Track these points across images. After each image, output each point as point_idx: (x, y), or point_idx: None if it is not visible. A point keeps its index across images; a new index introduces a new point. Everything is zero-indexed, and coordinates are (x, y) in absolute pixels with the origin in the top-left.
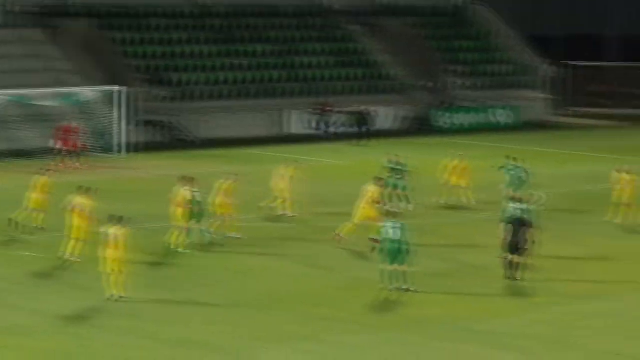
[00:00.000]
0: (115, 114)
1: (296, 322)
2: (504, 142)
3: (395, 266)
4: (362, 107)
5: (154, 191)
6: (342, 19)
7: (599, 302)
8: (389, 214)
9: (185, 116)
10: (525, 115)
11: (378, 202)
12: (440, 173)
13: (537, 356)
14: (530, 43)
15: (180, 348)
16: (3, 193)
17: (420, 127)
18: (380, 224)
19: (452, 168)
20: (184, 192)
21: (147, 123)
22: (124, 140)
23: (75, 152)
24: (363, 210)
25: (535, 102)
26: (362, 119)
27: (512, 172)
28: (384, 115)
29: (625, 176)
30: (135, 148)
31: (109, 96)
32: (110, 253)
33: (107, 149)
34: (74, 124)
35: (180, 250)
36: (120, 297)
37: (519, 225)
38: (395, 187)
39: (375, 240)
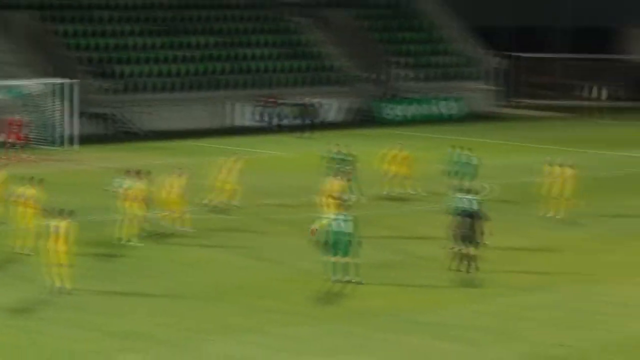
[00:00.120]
0: (61, 106)
1: (241, 314)
2: (448, 133)
3: (339, 258)
4: (307, 99)
5: (99, 183)
6: (287, 11)
7: (543, 293)
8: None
9: (130, 108)
10: (469, 107)
11: (335, 196)
12: (379, 163)
13: (480, 347)
14: (474, 34)
15: (126, 340)
16: None
17: (364, 119)
18: (327, 217)
19: (392, 157)
20: (140, 185)
21: (92, 115)
22: (69, 132)
23: (19, 145)
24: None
25: (479, 94)
26: (306, 111)
27: (460, 162)
28: (328, 107)
29: (557, 169)
30: (80, 140)
31: (54, 89)
32: (55, 245)
33: (52, 142)
34: (17, 117)
35: (132, 242)
36: (67, 289)
37: (470, 217)
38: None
39: (313, 232)
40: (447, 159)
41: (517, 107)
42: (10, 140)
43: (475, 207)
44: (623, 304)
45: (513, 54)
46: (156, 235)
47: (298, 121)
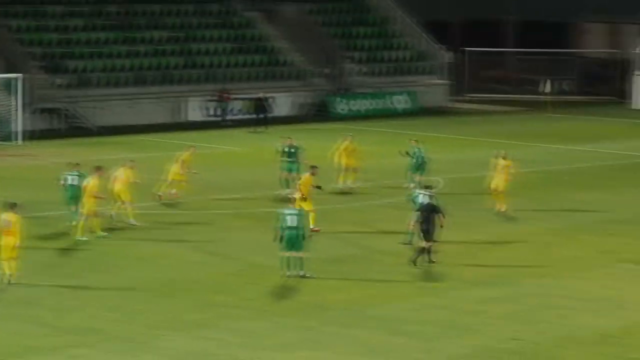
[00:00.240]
0: (13, 101)
1: (194, 309)
2: (401, 128)
3: (292, 253)
4: (260, 94)
5: (51, 179)
6: (240, 6)
7: (496, 287)
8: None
9: (83, 104)
10: (423, 101)
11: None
12: (331, 156)
13: (434, 341)
14: (428, 29)
15: (77, 335)
16: None
17: (317, 114)
18: (281, 211)
19: (343, 150)
20: (94, 180)
21: (45, 110)
22: (21, 128)
23: None
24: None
25: (432, 88)
26: (260, 106)
27: (416, 155)
28: (282, 102)
29: (501, 161)
30: (32, 135)
31: (5, 84)
32: (4, 240)
33: (4, 137)
34: None
35: (99, 235)
36: (15, 283)
37: (430, 211)
38: (289, 170)
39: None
40: (409, 153)
41: (470, 101)
42: None
43: (434, 201)
44: (576, 298)
45: (466, 48)
46: (110, 230)
47: (252, 116)
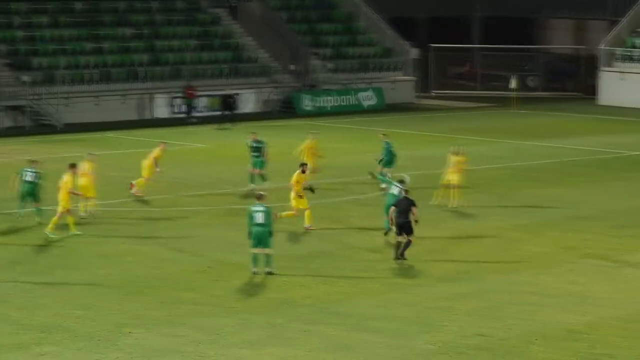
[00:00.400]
0: None
1: (160, 307)
2: (367, 124)
3: (260, 249)
4: (227, 91)
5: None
6: (205, 2)
7: (463, 283)
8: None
9: (48, 101)
10: (389, 98)
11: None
12: (296, 154)
13: (401, 338)
14: (394, 25)
15: (43, 333)
16: None
17: (284, 110)
18: (249, 208)
19: (307, 148)
20: (69, 177)
21: (10, 108)
22: None
23: None
24: (298, 199)
25: (398, 85)
26: (226, 102)
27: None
28: (248, 99)
29: (454, 157)
30: None
31: None
32: None
33: None
34: None
35: (72, 233)
36: None
37: (406, 205)
38: (254, 166)
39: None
40: (381, 148)
41: (436, 97)
42: None
43: (409, 196)
44: (542, 294)
45: (432, 44)
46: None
47: (218, 113)
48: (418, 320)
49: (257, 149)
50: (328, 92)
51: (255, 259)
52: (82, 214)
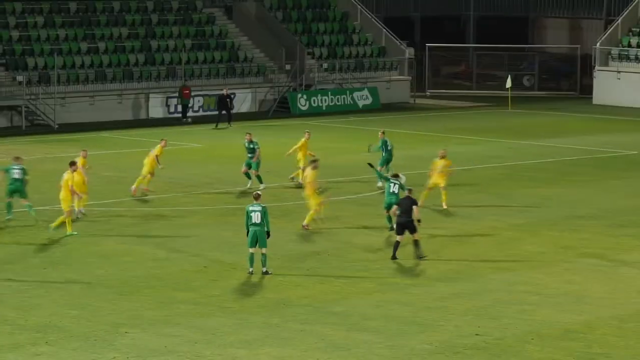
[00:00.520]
0: None
1: (156, 306)
2: (363, 124)
3: (256, 249)
4: (224, 90)
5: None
6: (200, 2)
7: (459, 283)
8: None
9: (44, 101)
10: (384, 97)
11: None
12: (293, 152)
13: (397, 337)
14: (389, 25)
15: (39, 333)
16: None
17: (279, 110)
18: (247, 208)
19: (301, 145)
20: (69, 175)
21: (5, 108)
22: None
23: None
24: (312, 195)
25: (394, 84)
26: (222, 102)
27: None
28: (243, 98)
29: (439, 161)
30: None
31: None
32: None
33: None
34: None
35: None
36: None
37: (409, 205)
38: (249, 166)
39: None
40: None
41: (432, 97)
42: None
43: (412, 195)
44: (539, 293)
45: (427, 44)
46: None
47: (214, 112)
48: (414, 319)
49: (252, 150)
50: (323, 92)
51: (251, 259)
52: (78, 209)
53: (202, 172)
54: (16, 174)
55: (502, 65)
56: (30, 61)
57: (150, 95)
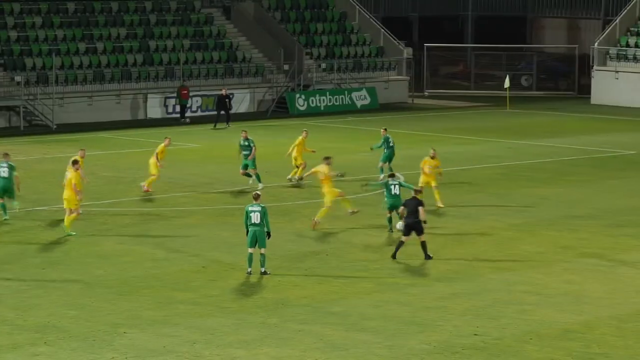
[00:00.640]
0: None
1: (155, 307)
2: (361, 124)
3: (255, 249)
4: (221, 91)
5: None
6: (198, 2)
7: (457, 283)
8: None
9: (42, 101)
10: (383, 97)
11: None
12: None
13: (395, 337)
14: (387, 25)
15: (37, 333)
16: None
17: (277, 110)
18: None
19: (298, 144)
20: (73, 174)
21: (3, 108)
22: None
23: None
24: (329, 191)
25: (392, 84)
26: (220, 102)
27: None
28: (241, 98)
29: (429, 161)
30: None
31: None
32: None
33: None
34: None
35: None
36: None
37: (415, 205)
38: (246, 167)
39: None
40: (382, 142)
41: (430, 97)
42: None
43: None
44: (538, 293)
45: (426, 44)
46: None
47: (212, 112)
48: (413, 320)
49: (246, 147)
50: (321, 92)
51: (250, 259)
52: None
53: (201, 172)
54: (3, 172)
55: (501, 65)
56: (29, 61)
57: (149, 95)
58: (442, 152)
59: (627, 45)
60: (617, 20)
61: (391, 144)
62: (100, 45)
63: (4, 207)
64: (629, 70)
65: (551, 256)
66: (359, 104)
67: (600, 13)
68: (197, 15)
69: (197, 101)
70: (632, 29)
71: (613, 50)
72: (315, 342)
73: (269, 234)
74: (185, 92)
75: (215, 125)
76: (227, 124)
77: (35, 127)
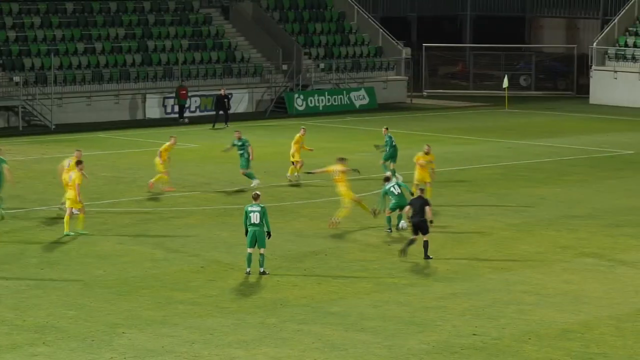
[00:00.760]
0: None
1: (154, 307)
2: (359, 124)
3: (255, 249)
4: (220, 91)
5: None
6: (197, 2)
7: (456, 283)
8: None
9: (41, 101)
10: (381, 97)
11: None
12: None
13: (394, 337)
14: (386, 25)
15: (36, 333)
16: None
17: (276, 110)
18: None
19: (295, 142)
20: (77, 173)
21: (2, 108)
22: None
23: None
24: (346, 192)
25: (391, 84)
26: (219, 102)
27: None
28: (240, 99)
29: (423, 156)
30: None
31: None
32: None
33: None
34: None
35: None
36: None
37: (421, 205)
38: (241, 166)
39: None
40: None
41: (429, 97)
42: None
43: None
44: (536, 293)
45: (424, 44)
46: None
47: (210, 113)
48: (412, 320)
49: (242, 147)
50: (320, 92)
51: (249, 259)
52: (62, 205)
53: (200, 172)
54: None
55: (499, 65)
56: (27, 62)
57: (147, 95)
58: (441, 152)
59: (626, 45)
60: (616, 20)
61: (394, 143)
62: (98, 46)
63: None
64: (627, 70)
65: (550, 256)
66: (357, 104)
67: (598, 13)
68: (196, 15)
69: (195, 101)
70: (631, 28)
71: (612, 50)
72: (314, 342)
73: (269, 234)
74: (184, 92)
75: (213, 126)
76: (226, 124)
77: (33, 127)
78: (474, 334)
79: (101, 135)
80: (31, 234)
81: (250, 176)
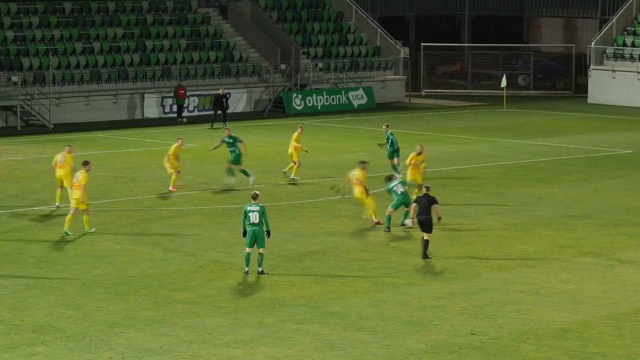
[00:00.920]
0: None
1: (152, 306)
2: (358, 124)
3: (254, 249)
4: (218, 90)
5: (7, 176)
6: (195, 2)
7: (455, 282)
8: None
9: (39, 101)
10: (380, 97)
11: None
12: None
13: (392, 337)
14: (384, 24)
15: (34, 333)
16: None
17: (274, 110)
18: (245, 207)
19: (293, 141)
20: (84, 174)
21: (0, 108)
22: None
23: None
24: (361, 198)
25: (389, 84)
26: (218, 102)
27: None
28: (239, 98)
29: (416, 156)
30: None
31: None
32: None
33: None
34: None
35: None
36: None
37: (427, 203)
38: (232, 162)
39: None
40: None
41: (427, 96)
42: None
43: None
44: (535, 293)
45: (422, 43)
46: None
47: (209, 112)
48: (410, 319)
49: (230, 144)
50: (318, 92)
51: (247, 259)
52: (58, 204)
53: (198, 172)
54: None
55: (497, 64)
56: (25, 61)
57: (146, 95)
58: (439, 151)
59: (624, 45)
60: (614, 20)
61: (394, 141)
62: (97, 45)
63: None
64: (625, 69)
65: (548, 255)
66: (355, 103)
67: (597, 12)
68: (194, 15)
69: (194, 101)
70: (629, 28)
71: (610, 50)
72: (312, 341)
73: (268, 233)
74: (182, 91)
75: (212, 125)
76: (224, 123)
77: (32, 127)
78: (472, 334)
79: (99, 134)
80: (29, 234)
81: (245, 173)
